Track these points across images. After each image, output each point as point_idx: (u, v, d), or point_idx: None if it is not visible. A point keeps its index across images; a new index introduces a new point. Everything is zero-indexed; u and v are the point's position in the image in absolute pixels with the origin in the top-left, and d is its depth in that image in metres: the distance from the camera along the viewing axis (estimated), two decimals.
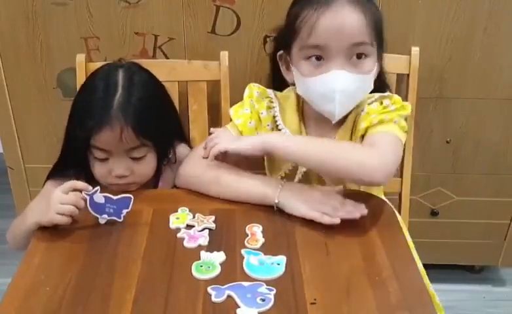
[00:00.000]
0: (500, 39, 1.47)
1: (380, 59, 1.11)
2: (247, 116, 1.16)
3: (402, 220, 1.26)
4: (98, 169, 1.11)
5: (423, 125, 1.57)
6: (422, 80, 1.45)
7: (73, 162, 1.14)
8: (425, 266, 1.13)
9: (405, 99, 1.42)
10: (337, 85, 1.04)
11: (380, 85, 1.17)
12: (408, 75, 1.44)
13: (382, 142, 1.04)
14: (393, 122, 1.07)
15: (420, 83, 1.44)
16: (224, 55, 1.43)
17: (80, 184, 1.00)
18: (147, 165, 1.12)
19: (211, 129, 1.17)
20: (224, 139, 1.09)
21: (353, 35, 1.03)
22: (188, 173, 1.13)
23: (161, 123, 1.14)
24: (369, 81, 1.09)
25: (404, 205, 1.45)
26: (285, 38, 1.12)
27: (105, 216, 1.01)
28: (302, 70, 1.09)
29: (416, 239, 1.20)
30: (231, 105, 1.23)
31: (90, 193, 0.99)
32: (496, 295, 1.85)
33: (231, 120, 1.19)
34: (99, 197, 0.99)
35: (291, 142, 1.07)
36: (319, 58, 1.06)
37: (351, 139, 1.13)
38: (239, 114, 1.17)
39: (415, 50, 1.43)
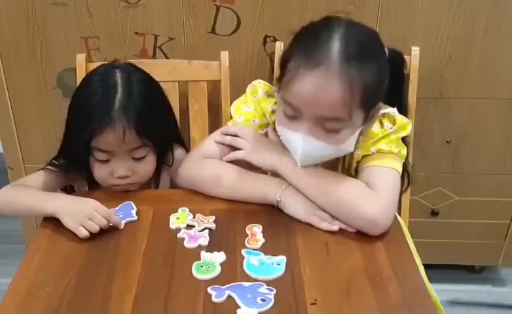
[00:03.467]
0: (500, 39, 1.47)
1: (367, 117, 1.00)
2: (250, 114, 1.14)
3: (402, 221, 1.25)
4: (99, 171, 1.10)
5: (423, 125, 1.56)
6: (422, 80, 1.45)
7: (72, 164, 1.14)
8: (425, 266, 1.13)
9: (405, 99, 1.42)
10: (299, 149, 1.00)
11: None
12: (408, 75, 1.44)
13: (384, 184, 1.01)
14: (394, 152, 1.04)
15: (420, 83, 1.44)
16: (224, 55, 1.43)
17: (114, 219, 1.00)
18: (148, 165, 1.12)
19: (230, 126, 1.16)
20: (248, 145, 1.09)
21: (326, 109, 0.94)
22: (189, 173, 1.12)
23: (161, 122, 1.14)
24: (344, 147, 1.01)
25: (404, 205, 1.45)
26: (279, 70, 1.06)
27: (121, 220, 1.02)
28: (278, 111, 1.04)
29: (416, 239, 1.20)
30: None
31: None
32: (496, 295, 1.85)
33: (231, 117, 1.17)
34: None
35: (298, 180, 1.03)
36: (293, 115, 1.00)
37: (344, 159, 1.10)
38: (241, 111, 1.16)
39: (415, 50, 1.43)
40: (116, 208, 1.05)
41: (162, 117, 1.16)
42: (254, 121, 1.15)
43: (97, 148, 1.07)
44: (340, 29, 0.95)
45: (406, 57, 1.42)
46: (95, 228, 0.97)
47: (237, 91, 1.25)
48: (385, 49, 1.03)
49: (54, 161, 1.16)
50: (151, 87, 1.15)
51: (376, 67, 0.97)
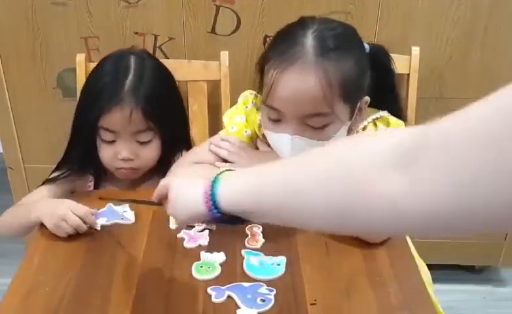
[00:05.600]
0: (500, 39, 1.47)
1: (353, 112, 1.00)
2: (242, 124, 1.14)
3: None
4: (104, 152, 1.12)
5: None
6: (422, 80, 1.45)
7: (79, 155, 1.14)
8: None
9: (405, 99, 1.42)
10: (285, 150, 0.98)
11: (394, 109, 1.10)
12: (408, 75, 1.44)
13: None
14: None
15: (420, 83, 1.44)
16: (224, 55, 1.43)
17: (90, 220, 0.98)
18: (152, 151, 1.14)
19: (221, 135, 1.15)
20: (241, 159, 1.07)
21: (307, 107, 0.94)
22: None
23: (169, 111, 1.16)
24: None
25: None
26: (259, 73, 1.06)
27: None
28: (262, 115, 1.04)
29: (416, 239, 1.20)
30: (231, 106, 1.23)
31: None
32: (497, 295, 1.85)
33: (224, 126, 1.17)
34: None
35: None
36: (277, 118, 1.00)
37: None
38: (233, 121, 1.15)
39: (415, 50, 1.43)
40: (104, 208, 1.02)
41: (171, 106, 1.18)
42: (246, 132, 1.15)
43: (103, 128, 1.09)
44: (314, 26, 0.96)
45: (406, 57, 1.43)
46: (69, 230, 0.96)
47: (237, 91, 1.25)
48: (366, 45, 1.03)
49: (57, 169, 1.16)
50: (163, 76, 1.18)
51: (353, 60, 0.96)
